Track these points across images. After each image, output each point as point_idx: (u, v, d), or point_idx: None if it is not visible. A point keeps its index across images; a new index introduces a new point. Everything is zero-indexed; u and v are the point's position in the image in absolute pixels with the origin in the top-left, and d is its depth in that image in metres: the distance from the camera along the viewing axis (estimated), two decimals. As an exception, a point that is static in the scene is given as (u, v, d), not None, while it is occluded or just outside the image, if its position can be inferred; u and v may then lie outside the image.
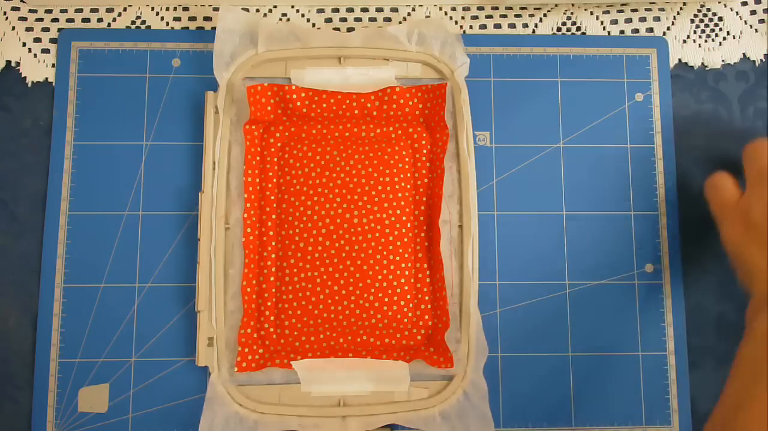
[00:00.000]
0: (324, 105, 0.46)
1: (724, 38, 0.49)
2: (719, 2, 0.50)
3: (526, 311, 0.45)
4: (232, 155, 0.45)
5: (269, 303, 0.44)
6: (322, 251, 0.43)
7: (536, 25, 0.49)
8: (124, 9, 0.48)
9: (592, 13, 0.49)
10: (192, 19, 0.48)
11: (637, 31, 0.49)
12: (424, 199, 0.45)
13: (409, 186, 0.45)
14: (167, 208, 0.46)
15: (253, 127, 0.45)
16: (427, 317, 0.44)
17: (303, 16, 0.49)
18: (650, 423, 0.45)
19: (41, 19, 0.48)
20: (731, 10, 0.50)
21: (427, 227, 0.45)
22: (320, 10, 0.49)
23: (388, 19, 0.49)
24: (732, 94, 0.49)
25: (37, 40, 0.48)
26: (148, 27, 0.48)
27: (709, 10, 0.50)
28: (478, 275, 0.44)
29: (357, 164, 0.45)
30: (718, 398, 0.36)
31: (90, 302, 0.44)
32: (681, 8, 0.50)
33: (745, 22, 0.50)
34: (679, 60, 0.49)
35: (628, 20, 0.49)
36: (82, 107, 0.47)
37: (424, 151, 0.46)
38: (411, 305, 0.44)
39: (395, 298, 0.43)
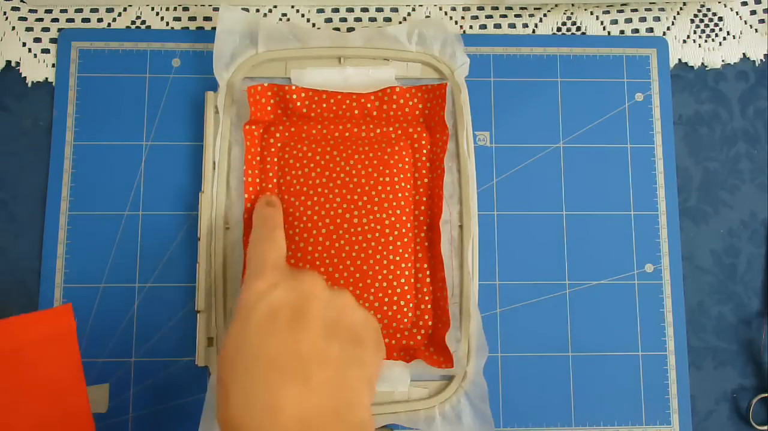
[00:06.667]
0: (324, 105, 0.46)
1: (724, 38, 0.49)
2: (719, 2, 0.50)
3: (526, 311, 0.45)
4: (232, 155, 0.45)
5: (269, 303, 0.44)
6: (322, 251, 0.43)
7: (536, 25, 0.49)
8: (124, 9, 0.48)
9: (592, 13, 0.49)
10: (192, 19, 0.48)
11: (637, 31, 0.49)
12: (425, 199, 0.45)
13: (409, 186, 0.45)
14: (167, 208, 0.46)
15: (253, 127, 0.45)
16: (427, 317, 0.44)
17: (303, 16, 0.49)
18: (650, 423, 0.45)
19: (41, 19, 0.48)
20: (731, 10, 0.50)
21: (428, 228, 0.45)
22: (320, 10, 0.49)
23: (388, 19, 0.49)
24: (732, 94, 0.49)
25: (37, 40, 0.48)
26: (148, 27, 0.48)
27: (709, 10, 0.50)
28: (478, 275, 0.44)
29: (357, 164, 0.45)
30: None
31: (90, 303, 0.44)
32: (681, 8, 0.50)
33: (745, 22, 0.50)
34: (679, 60, 0.49)
35: (628, 20, 0.49)
36: (82, 107, 0.47)
37: (424, 151, 0.45)
38: (411, 305, 0.44)
39: (395, 298, 0.43)
